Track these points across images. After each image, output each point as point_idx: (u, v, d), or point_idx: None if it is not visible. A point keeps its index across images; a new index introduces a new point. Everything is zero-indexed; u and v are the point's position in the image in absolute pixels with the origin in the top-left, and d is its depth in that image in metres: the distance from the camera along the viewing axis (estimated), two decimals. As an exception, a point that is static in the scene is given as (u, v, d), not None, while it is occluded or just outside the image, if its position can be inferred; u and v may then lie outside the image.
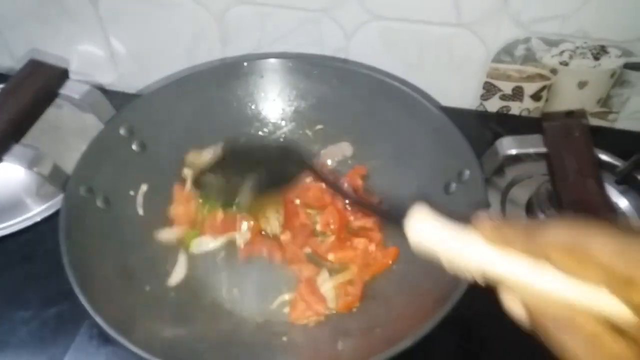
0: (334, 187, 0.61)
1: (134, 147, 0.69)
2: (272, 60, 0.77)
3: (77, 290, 0.52)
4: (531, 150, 0.58)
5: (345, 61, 0.85)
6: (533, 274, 0.32)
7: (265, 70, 0.77)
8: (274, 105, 0.80)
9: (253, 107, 0.80)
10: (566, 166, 0.53)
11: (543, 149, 0.57)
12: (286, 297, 0.63)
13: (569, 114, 0.78)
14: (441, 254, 0.37)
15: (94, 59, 0.93)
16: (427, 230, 0.38)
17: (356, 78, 0.73)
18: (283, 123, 0.81)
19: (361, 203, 0.61)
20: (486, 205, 0.56)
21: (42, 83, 0.62)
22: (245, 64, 0.77)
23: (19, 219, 0.76)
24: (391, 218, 0.43)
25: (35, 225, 0.75)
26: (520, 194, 0.73)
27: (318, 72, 0.75)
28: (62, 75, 0.64)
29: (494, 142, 0.74)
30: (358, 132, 0.76)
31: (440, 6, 0.76)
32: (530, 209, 0.71)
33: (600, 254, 0.28)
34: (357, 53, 0.84)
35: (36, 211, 0.77)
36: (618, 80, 0.80)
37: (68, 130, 0.85)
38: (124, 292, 0.58)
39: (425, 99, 0.69)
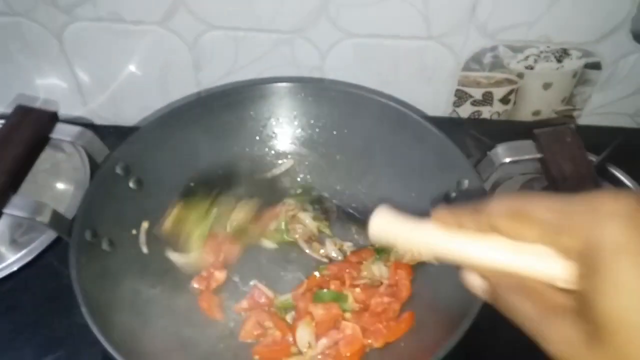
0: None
1: (130, 184, 0.68)
2: (270, 85, 0.78)
3: (102, 339, 0.51)
4: (526, 157, 0.61)
5: (339, 83, 0.86)
6: (483, 249, 0.36)
7: (255, 97, 0.78)
8: (277, 129, 0.80)
9: (251, 134, 0.80)
10: (563, 170, 0.57)
11: (537, 155, 0.60)
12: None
13: (536, 114, 0.83)
14: (396, 241, 0.41)
15: (60, 92, 0.91)
16: (385, 223, 0.41)
17: (351, 99, 0.76)
18: (283, 148, 0.82)
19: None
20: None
21: (33, 129, 0.60)
22: (243, 90, 0.78)
23: (-4, 268, 0.73)
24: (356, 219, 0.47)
25: (14, 274, 0.73)
26: (504, 194, 0.76)
27: (316, 95, 0.77)
28: (52, 118, 0.62)
29: (473, 147, 0.77)
30: (351, 149, 0.78)
31: (411, 21, 0.78)
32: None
33: (536, 213, 0.33)
34: (333, 71, 0.85)
35: (12, 259, 0.74)
36: (580, 79, 0.84)
37: (38, 168, 0.82)
38: (141, 332, 0.57)
39: (417, 114, 0.71)
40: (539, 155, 0.60)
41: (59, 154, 0.87)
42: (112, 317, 0.55)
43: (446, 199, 0.64)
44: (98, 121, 0.95)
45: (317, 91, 0.77)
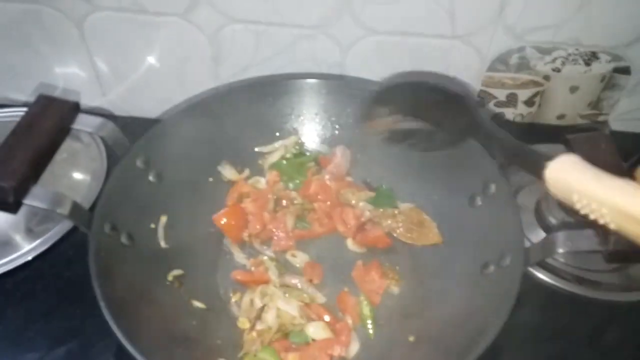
0: None
1: (150, 178, 0.67)
2: (294, 81, 0.77)
3: (119, 336, 0.51)
4: None
5: (358, 79, 0.84)
6: None
7: (278, 92, 0.77)
8: (300, 124, 0.80)
9: (271, 128, 0.79)
10: None
11: None
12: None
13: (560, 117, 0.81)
14: (579, 193, 0.38)
15: (79, 81, 0.90)
16: (568, 169, 0.39)
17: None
18: (310, 142, 0.81)
19: None
20: (517, 216, 0.57)
21: (55, 120, 0.59)
22: (267, 84, 0.77)
23: (11, 257, 0.73)
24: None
25: (29, 263, 0.73)
26: (527, 198, 0.75)
27: (339, 92, 0.77)
28: (74, 109, 0.61)
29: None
30: (372, 148, 0.76)
31: (436, 19, 0.76)
32: (538, 213, 0.73)
33: None
34: (353, 68, 0.84)
35: (27, 248, 0.74)
36: (608, 84, 0.82)
37: (55, 158, 0.82)
38: (159, 328, 0.57)
39: None
40: None
41: (76, 143, 0.87)
42: (129, 311, 0.55)
43: (471, 203, 0.63)
44: (116, 112, 0.94)
45: (340, 88, 0.75)
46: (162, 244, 0.65)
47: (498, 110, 0.88)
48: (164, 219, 0.67)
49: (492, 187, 0.60)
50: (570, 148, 0.57)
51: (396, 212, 0.73)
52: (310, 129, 0.80)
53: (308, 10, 0.78)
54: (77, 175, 0.84)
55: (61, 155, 0.84)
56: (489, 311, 0.51)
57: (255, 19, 0.80)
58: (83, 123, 0.62)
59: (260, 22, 0.80)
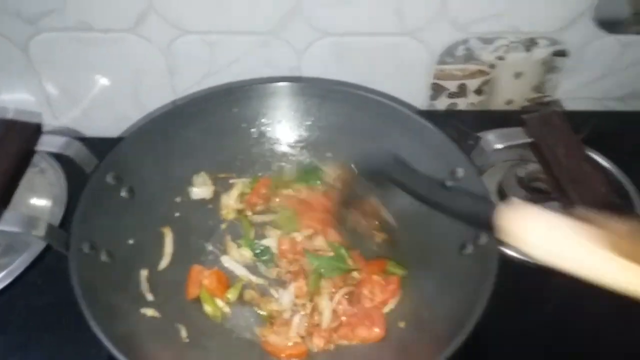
0: None
1: (123, 194, 0.66)
2: (258, 86, 0.77)
3: (113, 351, 0.50)
4: (517, 142, 0.62)
5: (307, 80, 0.86)
6: None
7: (243, 98, 0.77)
8: (271, 129, 0.79)
9: (243, 135, 0.79)
10: (556, 153, 0.58)
11: (528, 140, 0.61)
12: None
13: (509, 103, 0.85)
14: (561, 259, 0.33)
15: (29, 107, 0.88)
16: (547, 231, 0.33)
17: (332, 95, 0.76)
18: (273, 148, 0.81)
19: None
20: (487, 197, 0.59)
21: (18, 143, 0.58)
22: (230, 92, 0.76)
23: (-23, 290, 0.70)
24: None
25: (-2, 294, 0.70)
26: (489, 182, 0.78)
27: (305, 95, 0.77)
28: (37, 131, 0.60)
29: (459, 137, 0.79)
30: (341, 146, 0.78)
31: (385, 18, 0.79)
32: (501, 194, 0.76)
33: None
34: (310, 70, 0.86)
35: (-7, 281, 0.71)
36: (549, 67, 0.87)
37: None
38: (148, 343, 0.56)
39: (408, 109, 0.72)
40: (529, 140, 0.61)
41: (32, 168, 0.84)
42: (118, 329, 0.54)
43: (443, 187, 0.65)
44: (72, 134, 0.91)
45: (302, 90, 0.76)
46: (149, 297, 0.64)
47: (451, 100, 0.92)
48: (145, 273, 0.66)
49: (460, 172, 0.63)
50: (526, 128, 0.61)
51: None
52: (278, 131, 0.80)
53: (260, 17, 0.79)
54: (37, 202, 0.81)
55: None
56: (473, 290, 0.53)
57: (208, 29, 0.80)
58: (47, 144, 0.61)
59: (212, 32, 0.81)
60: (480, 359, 0.63)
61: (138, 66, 0.84)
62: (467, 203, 0.54)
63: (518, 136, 0.62)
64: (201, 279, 0.67)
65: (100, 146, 0.69)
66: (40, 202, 0.80)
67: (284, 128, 0.80)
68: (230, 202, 0.76)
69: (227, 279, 0.70)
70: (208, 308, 0.67)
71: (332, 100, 0.75)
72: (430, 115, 0.91)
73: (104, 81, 0.86)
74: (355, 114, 0.74)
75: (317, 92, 0.76)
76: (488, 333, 0.62)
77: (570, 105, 0.94)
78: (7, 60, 0.82)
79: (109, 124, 0.90)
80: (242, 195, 0.77)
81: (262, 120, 0.79)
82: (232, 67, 0.85)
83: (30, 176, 0.83)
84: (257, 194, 0.77)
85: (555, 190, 0.59)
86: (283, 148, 0.81)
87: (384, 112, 0.72)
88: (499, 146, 0.62)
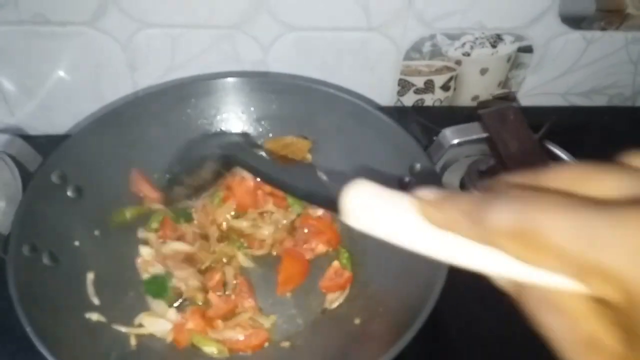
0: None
1: (69, 193, 0.64)
2: (216, 81, 0.75)
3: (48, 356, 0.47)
4: (473, 137, 0.62)
5: (286, 76, 0.85)
6: (481, 258, 0.27)
7: (198, 93, 0.75)
8: (223, 126, 0.77)
9: (190, 131, 0.76)
10: (509, 147, 0.59)
11: (483, 135, 0.61)
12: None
13: (475, 99, 0.86)
14: (374, 228, 0.32)
15: (-18, 102, 0.84)
16: (365, 200, 0.32)
17: (300, 91, 0.74)
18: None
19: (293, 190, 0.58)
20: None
21: None
22: (176, 89, 0.75)
23: None
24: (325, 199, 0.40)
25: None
26: (452, 177, 0.79)
27: (257, 88, 0.75)
28: None
29: (422, 133, 0.79)
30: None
31: (350, 12, 0.78)
32: (463, 188, 0.77)
33: (553, 237, 0.22)
34: (276, 64, 0.84)
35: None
36: (514, 63, 0.88)
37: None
38: (91, 347, 0.54)
39: (367, 103, 0.71)
40: (484, 135, 0.61)
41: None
42: (60, 336, 0.52)
43: (400, 184, 0.65)
44: (30, 132, 0.88)
45: (261, 85, 0.75)
46: (96, 301, 0.61)
47: (418, 97, 0.92)
48: (91, 276, 0.62)
49: (418, 167, 0.63)
50: (482, 123, 0.61)
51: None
52: (235, 127, 0.78)
53: (223, 10, 0.77)
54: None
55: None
56: (428, 276, 0.53)
57: (170, 22, 0.78)
58: None
59: (175, 26, 0.79)
60: (442, 341, 0.63)
61: (98, 61, 0.81)
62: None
63: (474, 131, 0.62)
64: (183, 323, 0.62)
65: (58, 143, 0.67)
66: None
67: (239, 124, 0.78)
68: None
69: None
70: (209, 349, 0.61)
71: (290, 95, 0.74)
72: (397, 111, 0.92)
73: (62, 76, 0.83)
74: (313, 110, 0.73)
75: (274, 87, 0.74)
76: (449, 317, 0.63)
77: (535, 100, 0.95)
78: (-43, 54, 0.78)
79: (69, 120, 0.87)
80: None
81: (217, 117, 0.77)
82: (195, 61, 0.83)
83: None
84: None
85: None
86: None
87: (343, 107, 0.71)
88: (456, 141, 0.62)
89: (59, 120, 0.87)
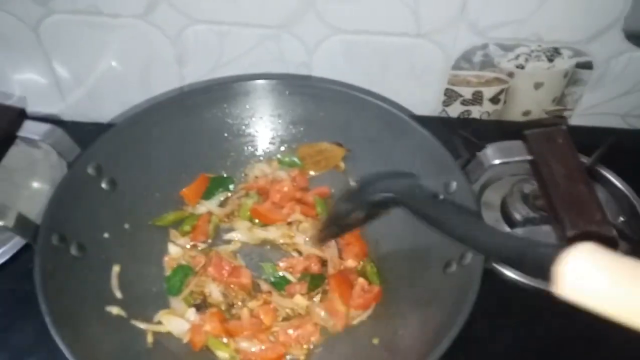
0: None
1: (103, 185, 0.65)
2: (254, 82, 0.75)
3: (66, 351, 0.48)
4: (516, 159, 0.59)
5: (325, 80, 0.84)
6: None
7: (238, 94, 0.75)
8: (249, 128, 0.77)
9: (226, 133, 0.77)
10: (554, 172, 0.55)
11: (527, 157, 0.58)
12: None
13: (526, 114, 0.82)
14: (598, 304, 0.29)
15: (38, 87, 0.88)
16: (588, 272, 0.29)
17: (331, 95, 0.73)
18: (268, 145, 0.79)
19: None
20: (478, 214, 0.56)
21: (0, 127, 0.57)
22: (217, 87, 0.75)
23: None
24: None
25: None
26: (493, 196, 0.75)
27: (293, 91, 0.74)
28: (19, 116, 0.59)
29: (464, 147, 0.75)
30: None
31: (400, 17, 0.76)
32: (504, 210, 0.73)
33: None
34: (320, 67, 0.83)
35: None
36: (571, 79, 0.83)
37: (13, 167, 0.79)
38: (108, 341, 0.54)
39: (403, 112, 0.69)
40: (529, 157, 0.58)
41: (35, 151, 0.84)
42: (78, 328, 0.52)
43: (435, 199, 0.62)
44: (78, 118, 0.91)
45: (300, 89, 0.74)
46: (118, 294, 0.62)
47: (465, 108, 0.88)
48: (117, 269, 0.63)
49: (454, 185, 0.60)
50: (527, 144, 0.58)
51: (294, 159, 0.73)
52: (270, 130, 0.78)
53: (271, 10, 0.77)
54: (36, 185, 0.81)
55: (20, 164, 0.83)
56: (452, 310, 0.50)
57: (218, 19, 0.78)
58: (30, 130, 0.61)
59: (223, 23, 0.79)
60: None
61: (147, 53, 0.83)
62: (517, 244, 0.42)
63: (518, 152, 0.59)
64: (201, 324, 0.61)
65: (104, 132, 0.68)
66: (39, 186, 0.80)
67: (274, 126, 0.77)
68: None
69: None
70: (222, 354, 0.60)
71: (327, 100, 0.73)
72: (441, 122, 0.89)
73: (112, 66, 0.85)
74: (352, 118, 0.71)
75: (310, 91, 0.73)
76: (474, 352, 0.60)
77: (592, 120, 0.89)
78: (18, 41, 0.81)
79: (117, 109, 0.89)
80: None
81: (253, 118, 0.77)
82: (242, 59, 0.83)
83: (33, 159, 0.84)
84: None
85: (550, 212, 0.55)
86: (271, 147, 0.79)
87: (379, 115, 0.70)
88: (497, 161, 0.59)
89: (107, 109, 0.89)
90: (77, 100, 0.89)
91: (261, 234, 0.70)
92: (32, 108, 0.89)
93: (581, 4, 0.74)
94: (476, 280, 0.50)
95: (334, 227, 0.61)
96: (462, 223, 0.47)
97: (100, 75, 0.86)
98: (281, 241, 0.70)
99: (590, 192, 0.53)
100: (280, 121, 0.77)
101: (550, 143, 0.57)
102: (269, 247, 0.71)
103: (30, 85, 0.87)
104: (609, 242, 0.50)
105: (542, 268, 0.30)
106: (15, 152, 0.77)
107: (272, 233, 0.69)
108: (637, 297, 0.28)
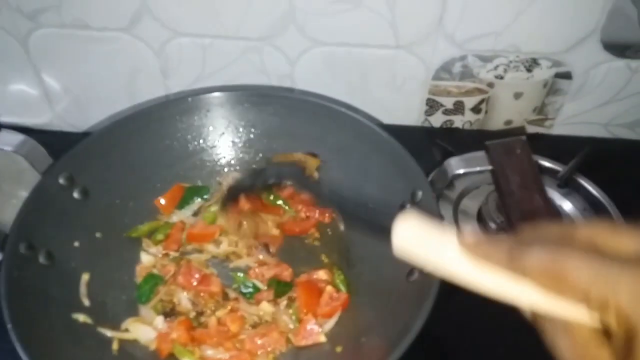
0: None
1: (75, 195, 0.66)
2: (218, 94, 0.76)
3: (22, 354, 0.49)
4: (477, 169, 0.60)
5: (291, 90, 0.85)
6: (513, 289, 0.34)
7: (211, 105, 0.76)
8: (223, 138, 0.78)
9: (201, 142, 0.78)
10: (511, 182, 0.56)
11: (488, 167, 0.59)
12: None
13: (508, 123, 0.84)
14: (421, 261, 0.37)
15: (27, 98, 0.89)
16: (413, 234, 0.37)
17: (304, 106, 0.74)
18: (234, 155, 0.79)
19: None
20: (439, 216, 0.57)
21: None
22: (190, 99, 0.75)
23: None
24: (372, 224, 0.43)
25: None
26: (471, 204, 0.76)
27: (265, 102, 0.75)
28: None
29: (442, 156, 0.76)
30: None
31: (379, 30, 0.77)
32: (480, 218, 0.74)
33: (576, 280, 0.30)
34: (303, 79, 0.85)
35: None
36: (551, 89, 0.84)
37: (4, 176, 0.81)
38: (72, 349, 0.55)
39: (373, 122, 0.70)
40: (489, 167, 0.59)
41: (22, 160, 0.85)
42: (41, 335, 0.53)
43: (402, 209, 0.63)
44: (67, 128, 0.93)
45: (276, 100, 0.75)
46: (86, 302, 0.62)
47: (447, 117, 0.89)
48: (86, 277, 0.64)
49: (419, 194, 0.61)
50: (488, 154, 0.59)
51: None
52: (234, 141, 0.79)
53: (253, 23, 0.78)
54: (24, 194, 0.82)
55: (10, 173, 0.84)
56: (412, 317, 0.51)
57: (201, 32, 0.80)
58: (2, 141, 0.62)
59: (206, 36, 0.80)
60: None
61: (133, 66, 0.85)
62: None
63: (480, 162, 0.60)
64: (168, 332, 0.62)
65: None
66: (11, 189, 0.81)
67: (249, 137, 0.78)
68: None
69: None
70: None
71: (301, 112, 0.74)
72: (425, 132, 0.90)
73: (100, 78, 0.87)
74: (324, 126, 0.73)
75: (284, 102, 0.75)
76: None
77: (575, 129, 0.90)
78: (7, 53, 0.83)
79: (105, 119, 0.91)
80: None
81: (229, 128, 0.78)
82: (225, 71, 0.84)
83: (22, 168, 0.86)
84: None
85: (506, 222, 0.56)
86: (246, 157, 0.80)
87: (352, 126, 0.70)
88: (461, 171, 0.60)
89: (95, 119, 0.91)
90: (66, 112, 0.91)
91: (211, 249, 0.71)
92: (20, 119, 0.91)
93: (556, 15, 0.75)
94: (434, 288, 0.51)
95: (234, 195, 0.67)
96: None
97: (88, 87, 0.88)
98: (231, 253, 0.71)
99: (545, 202, 0.53)
100: (255, 131, 0.78)
101: (509, 154, 0.57)
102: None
103: (21, 97, 0.89)
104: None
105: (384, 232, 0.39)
106: (3, 160, 0.79)
107: (223, 248, 0.70)
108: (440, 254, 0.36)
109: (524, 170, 0.55)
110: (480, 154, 0.60)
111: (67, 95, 0.89)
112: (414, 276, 0.58)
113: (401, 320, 0.52)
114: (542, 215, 0.52)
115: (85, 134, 0.91)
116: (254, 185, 0.65)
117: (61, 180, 0.64)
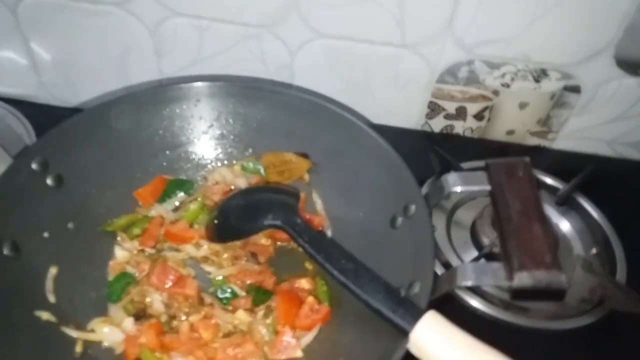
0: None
1: (48, 181, 0.62)
2: (210, 84, 0.72)
3: None
4: (476, 188, 0.57)
5: (289, 86, 0.82)
6: None
7: (202, 94, 0.72)
8: (212, 130, 0.75)
9: (189, 132, 0.74)
10: (510, 207, 0.53)
11: (487, 187, 0.56)
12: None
13: (510, 133, 0.80)
14: None
15: (13, 66, 0.86)
16: (436, 341, 0.40)
17: (299, 104, 0.70)
18: (219, 148, 0.76)
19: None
20: (431, 242, 0.54)
21: None
22: (181, 86, 0.71)
23: None
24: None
25: None
26: (465, 215, 0.73)
27: (259, 96, 0.71)
28: None
29: (440, 164, 0.74)
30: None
31: (385, 26, 0.74)
32: (474, 231, 0.71)
33: None
34: (302, 71, 0.81)
35: None
36: (558, 101, 0.81)
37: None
38: (31, 348, 0.52)
39: (370, 126, 0.67)
40: (488, 188, 0.56)
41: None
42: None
43: (392, 224, 0.60)
44: (53, 102, 0.90)
45: (269, 94, 0.71)
46: (51, 298, 0.59)
47: (448, 122, 0.86)
48: (53, 271, 0.60)
49: (412, 208, 0.58)
50: (488, 173, 0.56)
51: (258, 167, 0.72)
52: (217, 134, 0.75)
53: (254, 8, 0.75)
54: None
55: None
56: (395, 338, 0.48)
57: (199, 13, 0.76)
58: None
59: (203, 17, 0.77)
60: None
61: (125, 43, 0.81)
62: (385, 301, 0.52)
63: (479, 181, 0.57)
64: (137, 336, 0.59)
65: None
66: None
67: (239, 130, 0.74)
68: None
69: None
70: None
71: (296, 110, 0.70)
72: (424, 136, 0.87)
73: (91, 54, 0.83)
74: (318, 127, 0.69)
75: (279, 99, 0.71)
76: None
77: (578, 145, 0.87)
78: (-5, 19, 0.80)
79: (94, 95, 0.88)
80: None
81: (218, 122, 0.74)
82: (222, 57, 0.81)
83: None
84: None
85: (500, 248, 0.53)
86: (235, 152, 0.76)
87: (347, 129, 0.67)
88: (458, 189, 0.57)
89: (84, 95, 0.88)
90: (54, 85, 0.88)
91: (191, 250, 0.67)
92: (6, 88, 0.88)
93: (571, 27, 0.72)
94: (423, 304, 0.49)
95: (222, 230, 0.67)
96: (338, 269, 0.56)
97: (78, 61, 0.84)
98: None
99: (544, 231, 0.51)
100: (245, 125, 0.74)
101: (510, 175, 0.54)
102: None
103: (8, 65, 0.85)
104: (556, 294, 0.49)
105: (401, 330, 0.42)
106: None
107: (203, 251, 0.67)
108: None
109: (525, 195, 0.52)
110: (480, 173, 0.56)
111: (55, 68, 0.85)
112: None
113: (383, 345, 0.49)
114: (541, 248, 0.49)
115: (74, 110, 0.88)
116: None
117: (34, 165, 0.60)
